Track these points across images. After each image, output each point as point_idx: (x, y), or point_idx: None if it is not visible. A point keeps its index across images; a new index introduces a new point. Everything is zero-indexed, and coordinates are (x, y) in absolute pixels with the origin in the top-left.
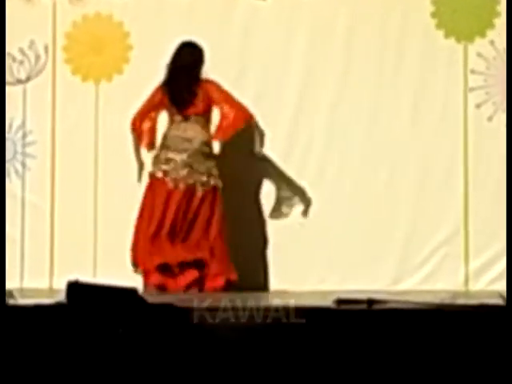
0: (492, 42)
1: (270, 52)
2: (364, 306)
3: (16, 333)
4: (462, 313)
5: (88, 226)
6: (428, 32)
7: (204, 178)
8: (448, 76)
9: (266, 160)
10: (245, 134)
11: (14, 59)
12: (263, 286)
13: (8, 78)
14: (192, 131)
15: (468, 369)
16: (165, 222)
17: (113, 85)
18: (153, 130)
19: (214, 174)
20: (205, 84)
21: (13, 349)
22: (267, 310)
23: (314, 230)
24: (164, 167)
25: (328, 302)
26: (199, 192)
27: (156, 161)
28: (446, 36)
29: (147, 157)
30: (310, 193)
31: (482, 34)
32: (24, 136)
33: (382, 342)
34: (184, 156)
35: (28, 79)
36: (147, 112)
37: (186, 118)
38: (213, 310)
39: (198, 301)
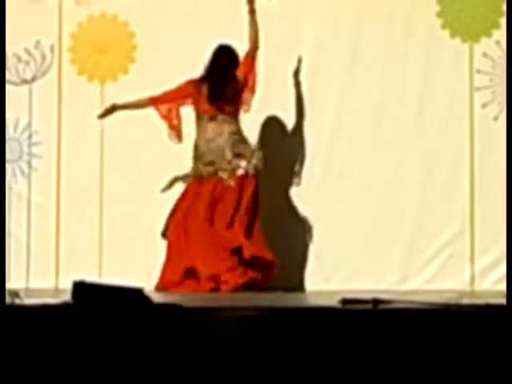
0: (498, 42)
1: (276, 51)
2: (369, 306)
3: (22, 333)
4: (468, 313)
5: (94, 226)
6: (433, 32)
7: (235, 165)
8: (454, 76)
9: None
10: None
11: (19, 59)
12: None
13: (14, 78)
14: (219, 128)
15: (474, 368)
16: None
17: (118, 85)
18: (179, 125)
19: (246, 156)
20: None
21: (19, 349)
22: (273, 309)
23: (319, 229)
24: (207, 169)
25: (333, 302)
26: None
27: (196, 168)
28: (452, 36)
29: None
30: (315, 192)
31: (488, 34)
32: (30, 136)
33: (387, 342)
34: (219, 152)
35: (34, 79)
36: (172, 99)
37: (213, 118)
38: (219, 309)
39: (204, 301)
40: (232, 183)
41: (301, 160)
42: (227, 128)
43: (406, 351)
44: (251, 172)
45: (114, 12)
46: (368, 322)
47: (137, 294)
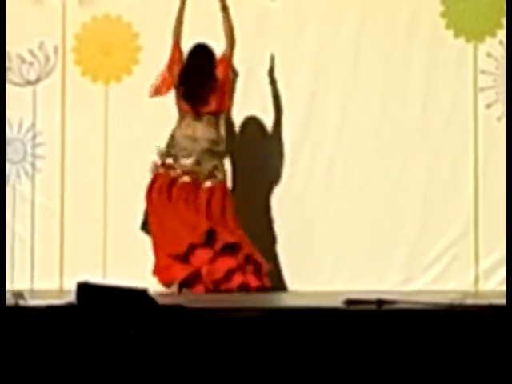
0: (501, 42)
1: (279, 51)
2: (373, 307)
3: (27, 334)
4: (472, 313)
5: (98, 227)
6: (437, 32)
7: (210, 173)
8: (458, 76)
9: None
10: (255, 132)
11: (23, 60)
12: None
13: (18, 79)
14: (201, 130)
15: (478, 369)
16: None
17: (122, 86)
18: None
19: (220, 170)
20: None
21: (23, 350)
22: (277, 310)
23: (323, 230)
24: (169, 161)
25: (337, 303)
26: (207, 184)
27: (162, 158)
28: (456, 36)
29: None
30: (318, 193)
31: (492, 34)
32: (34, 137)
33: (391, 343)
34: (191, 158)
35: (38, 80)
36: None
37: (197, 117)
38: (223, 310)
39: (208, 302)
40: (204, 185)
41: (280, 159)
42: (206, 133)
43: (411, 351)
44: (219, 183)
45: (118, 13)
46: (372, 322)
47: (141, 295)
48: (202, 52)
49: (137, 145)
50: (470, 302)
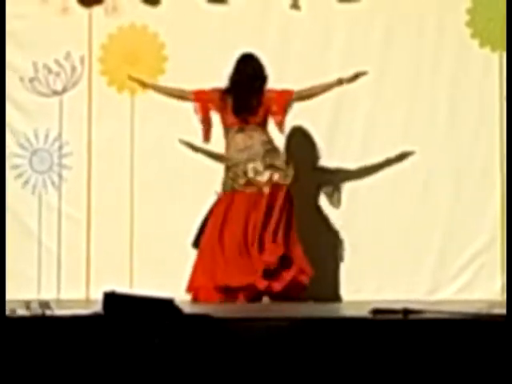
0: None
1: (305, 61)
2: (400, 316)
3: (53, 343)
4: (499, 323)
5: (124, 237)
6: (463, 41)
7: (270, 174)
8: (483, 85)
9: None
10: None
11: (50, 71)
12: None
13: (44, 89)
14: (249, 138)
15: (506, 379)
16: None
17: (148, 96)
18: (209, 123)
19: (280, 169)
20: (267, 93)
21: (50, 360)
22: (304, 320)
23: (350, 239)
24: (240, 180)
25: (364, 312)
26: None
27: (228, 179)
28: (481, 45)
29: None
30: (346, 203)
31: None
32: (60, 147)
33: (417, 352)
34: (249, 164)
35: (64, 91)
36: (201, 98)
37: (242, 129)
38: (249, 320)
39: (234, 311)
40: (265, 192)
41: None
42: (257, 137)
43: (437, 361)
44: (283, 182)
45: (144, 23)
46: (398, 332)
47: (167, 304)
48: (249, 62)
49: (163, 154)
50: (496, 311)
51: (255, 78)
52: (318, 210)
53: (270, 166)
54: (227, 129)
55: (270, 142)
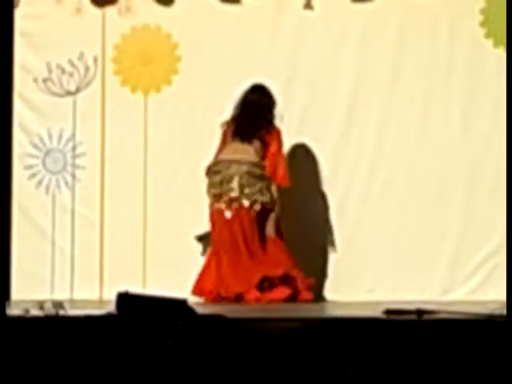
0: None
1: (319, 61)
2: (413, 317)
3: (67, 343)
4: None
5: (138, 237)
6: (477, 41)
7: (257, 197)
8: (497, 85)
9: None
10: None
11: (63, 71)
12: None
13: (58, 89)
14: (242, 153)
15: None
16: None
17: (162, 96)
18: None
19: (265, 194)
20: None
21: (64, 359)
22: (318, 320)
23: (363, 240)
24: (215, 192)
25: (377, 313)
26: (255, 209)
27: (209, 188)
28: (495, 45)
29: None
30: (359, 205)
31: None
32: (74, 147)
33: (431, 353)
34: (234, 182)
35: (78, 91)
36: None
37: (242, 142)
38: (263, 320)
39: (247, 311)
40: (228, 215)
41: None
42: (250, 156)
43: (450, 361)
44: (246, 206)
45: (158, 23)
46: (412, 332)
47: (181, 305)
48: (259, 93)
49: (176, 155)
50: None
51: (261, 111)
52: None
53: (244, 187)
54: (224, 139)
55: (259, 166)
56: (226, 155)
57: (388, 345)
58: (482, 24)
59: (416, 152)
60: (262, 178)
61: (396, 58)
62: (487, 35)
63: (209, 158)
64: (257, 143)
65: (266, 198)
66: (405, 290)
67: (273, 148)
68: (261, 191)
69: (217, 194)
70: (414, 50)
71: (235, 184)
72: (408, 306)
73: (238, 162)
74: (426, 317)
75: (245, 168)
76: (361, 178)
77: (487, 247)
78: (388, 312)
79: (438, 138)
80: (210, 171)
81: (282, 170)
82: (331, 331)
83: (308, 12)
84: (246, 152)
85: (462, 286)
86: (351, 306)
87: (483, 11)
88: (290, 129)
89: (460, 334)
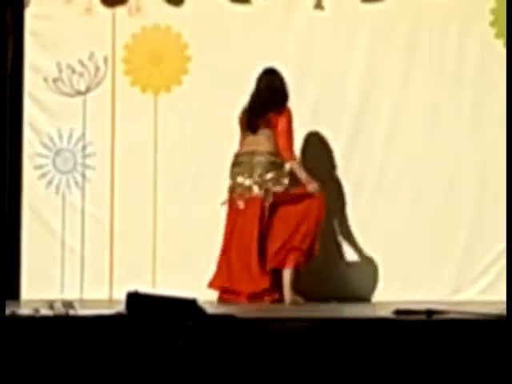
0: None
1: (329, 61)
2: (423, 317)
3: (76, 343)
4: None
5: (147, 237)
6: (488, 41)
7: (271, 184)
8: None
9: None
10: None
11: (73, 71)
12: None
13: (68, 89)
14: (257, 145)
15: None
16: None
17: (172, 96)
18: None
19: (280, 182)
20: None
21: (74, 359)
22: (328, 320)
23: (373, 240)
24: (238, 190)
25: (387, 313)
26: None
27: (232, 183)
28: (506, 45)
29: None
30: (368, 204)
31: None
32: (84, 147)
33: (441, 353)
34: (252, 172)
35: (88, 91)
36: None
37: (254, 132)
38: (273, 320)
39: (258, 311)
40: (241, 205)
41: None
42: (265, 146)
43: (460, 361)
44: (259, 196)
45: (168, 23)
46: (421, 332)
47: (190, 304)
48: (268, 79)
49: (186, 154)
50: None
51: (273, 93)
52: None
53: (264, 175)
54: (243, 133)
55: (275, 154)
56: (243, 148)
57: (398, 345)
58: (493, 24)
59: (426, 151)
60: (277, 165)
61: (406, 59)
62: (497, 35)
63: (219, 157)
64: (267, 131)
65: (280, 188)
66: (415, 290)
67: (280, 127)
68: (276, 180)
69: (234, 186)
70: (425, 49)
71: (253, 174)
72: (418, 306)
73: (253, 153)
74: (435, 317)
75: (261, 158)
76: (370, 178)
77: (497, 247)
78: (398, 312)
79: (448, 138)
80: (231, 164)
81: (286, 144)
82: (341, 331)
83: (318, 12)
84: (259, 143)
85: (472, 287)
86: (361, 306)
87: (493, 11)
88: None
89: (469, 335)
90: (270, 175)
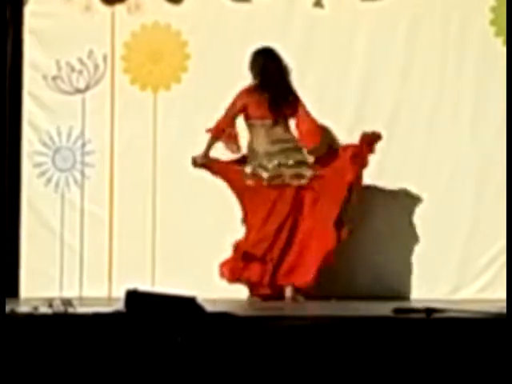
0: None
1: (329, 59)
2: (422, 315)
3: (75, 341)
4: None
5: (146, 235)
6: (487, 39)
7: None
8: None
9: None
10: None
11: (73, 69)
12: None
13: (67, 87)
14: (276, 135)
15: None
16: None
17: (171, 94)
18: (236, 135)
19: (305, 167)
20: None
21: (73, 357)
22: (326, 318)
23: (374, 239)
24: (263, 173)
25: (386, 311)
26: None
27: (252, 171)
28: (506, 43)
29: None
30: (367, 203)
31: None
32: (83, 145)
33: (440, 351)
34: (274, 161)
35: (87, 88)
36: (232, 118)
37: (276, 122)
38: (271, 318)
39: (256, 310)
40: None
41: None
42: (284, 134)
43: (459, 360)
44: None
45: (167, 21)
46: (421, 330)
47: (189, 302)
48: (271, 56)
49: (186, 152)
50: None
51: (283, 71)
52: None
53: (296, 163)
54: (251, 122)
55: (294, 140)
56: (269, 138)
57: (397, 343)
58: (493, 22)
59: (425, 150)
60: (297, 150)
61: (406, 57)
62: (497, 33)
63: (218, 155)
64: (282, 122)
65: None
66: (414, 289)
67: (300, 117)
68: (298, 166)
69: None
70: (424, 48)
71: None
72: (417, 305)
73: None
74: (434, 315)
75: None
76: (369, 175)
77: (496, 246)
78: (397, 311)
79: (448, 136)
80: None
81: (307, 130)
82: (340, 330)
83: (318, 10)
84: (278, 132)
85: (472, 285)
86: (360, 304)
87: (493, 9)
88: None
89: (469, 333)
90: (293, 160)
